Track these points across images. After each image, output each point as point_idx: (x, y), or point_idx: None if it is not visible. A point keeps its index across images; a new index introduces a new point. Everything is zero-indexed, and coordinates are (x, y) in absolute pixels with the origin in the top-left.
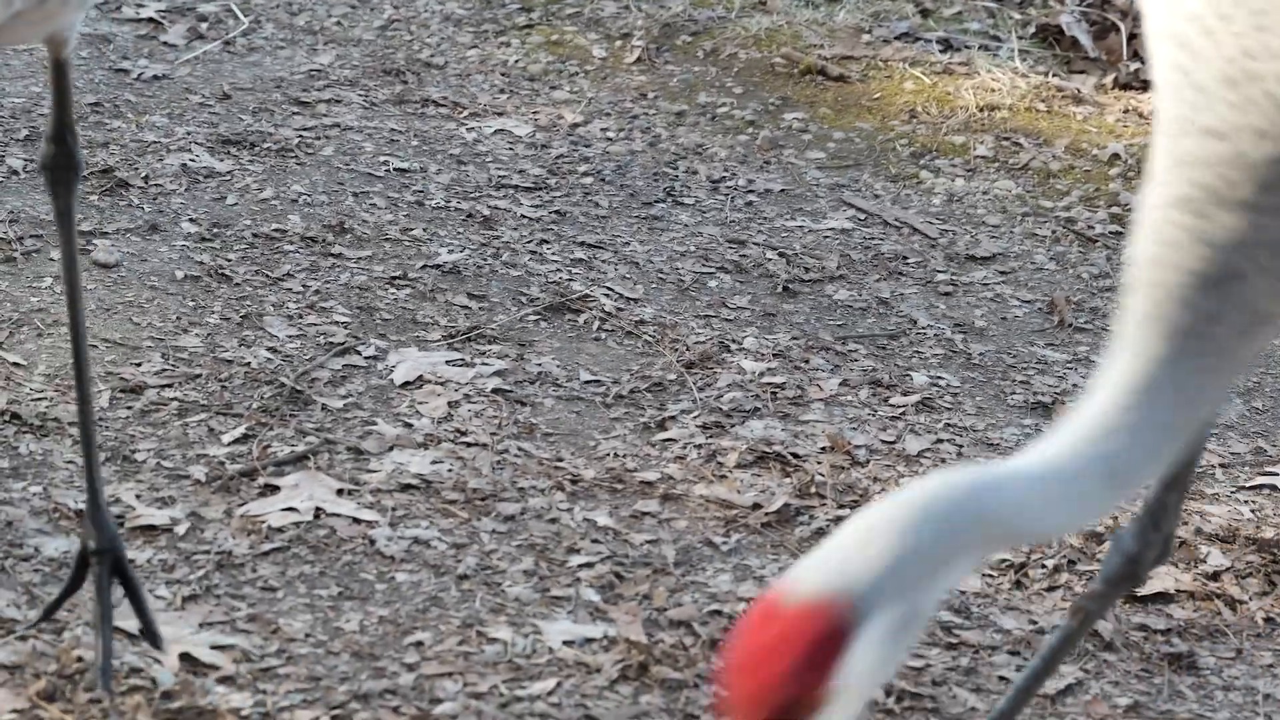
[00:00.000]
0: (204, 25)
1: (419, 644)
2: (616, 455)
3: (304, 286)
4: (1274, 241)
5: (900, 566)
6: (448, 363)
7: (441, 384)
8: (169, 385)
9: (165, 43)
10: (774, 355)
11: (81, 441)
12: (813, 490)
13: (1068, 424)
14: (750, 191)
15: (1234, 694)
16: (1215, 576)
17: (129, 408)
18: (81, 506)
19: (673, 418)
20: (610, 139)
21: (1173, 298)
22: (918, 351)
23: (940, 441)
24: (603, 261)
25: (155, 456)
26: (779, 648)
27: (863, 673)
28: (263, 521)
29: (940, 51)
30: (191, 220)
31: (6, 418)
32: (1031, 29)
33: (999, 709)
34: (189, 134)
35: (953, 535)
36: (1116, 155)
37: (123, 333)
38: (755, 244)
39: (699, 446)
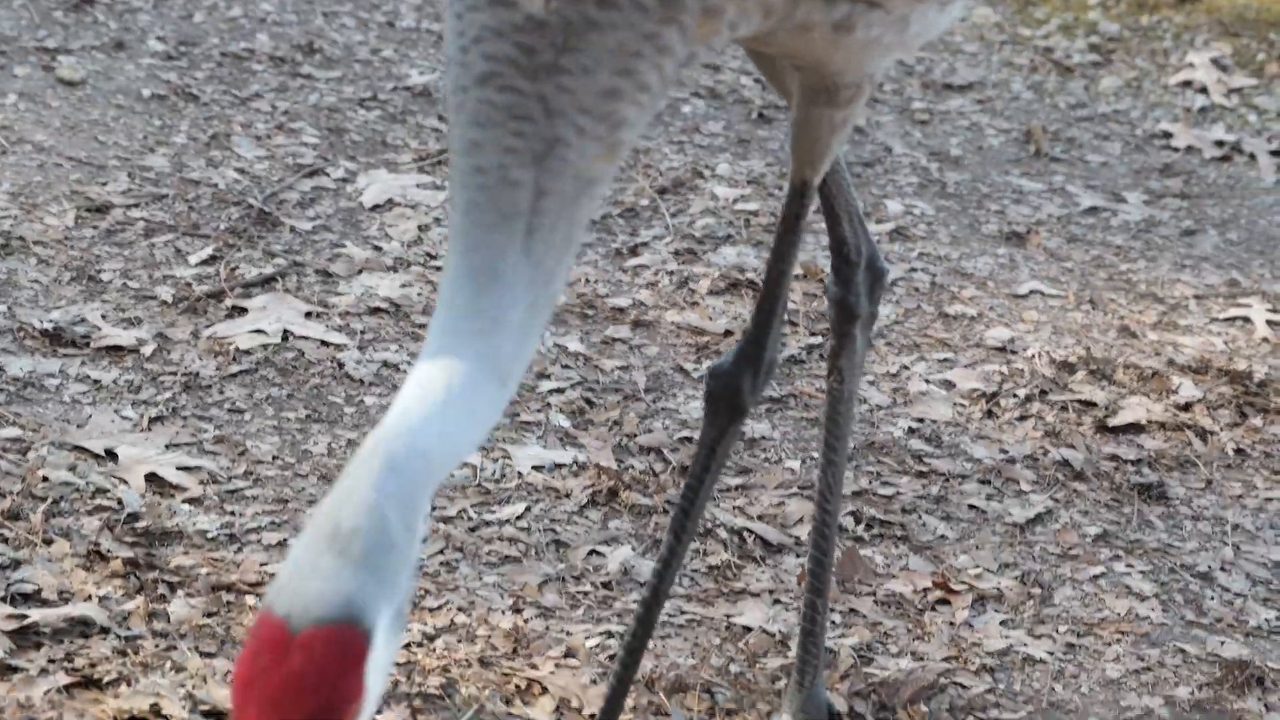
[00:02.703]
0: None
1: None
2: (588, 281)
3: (272, 107)
4: (586, 104)
5: (384, 565)
6: (418, 186)
7: (411, 207)
8: (135, 205)
9: None
10: (748, 182)
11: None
12: (786, 318)
13: (434, 338)
14: None
15: (1203, 524)
16: (1187, 407)
17: (94, 227)
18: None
19: (645, 244)
20: None
21: (501, 180)
22: (892, 179)
23: (914, 270)
24: None
25: (121, 277)
26: (309, 680)
27: (376, 680)
28: (230, 343)
29: None
30: (158, 38)
31: None
32: None
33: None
34: None
35: (412, 508)
36: None
37: (88, 151)
38: (730, 69)
39: (671, 273)
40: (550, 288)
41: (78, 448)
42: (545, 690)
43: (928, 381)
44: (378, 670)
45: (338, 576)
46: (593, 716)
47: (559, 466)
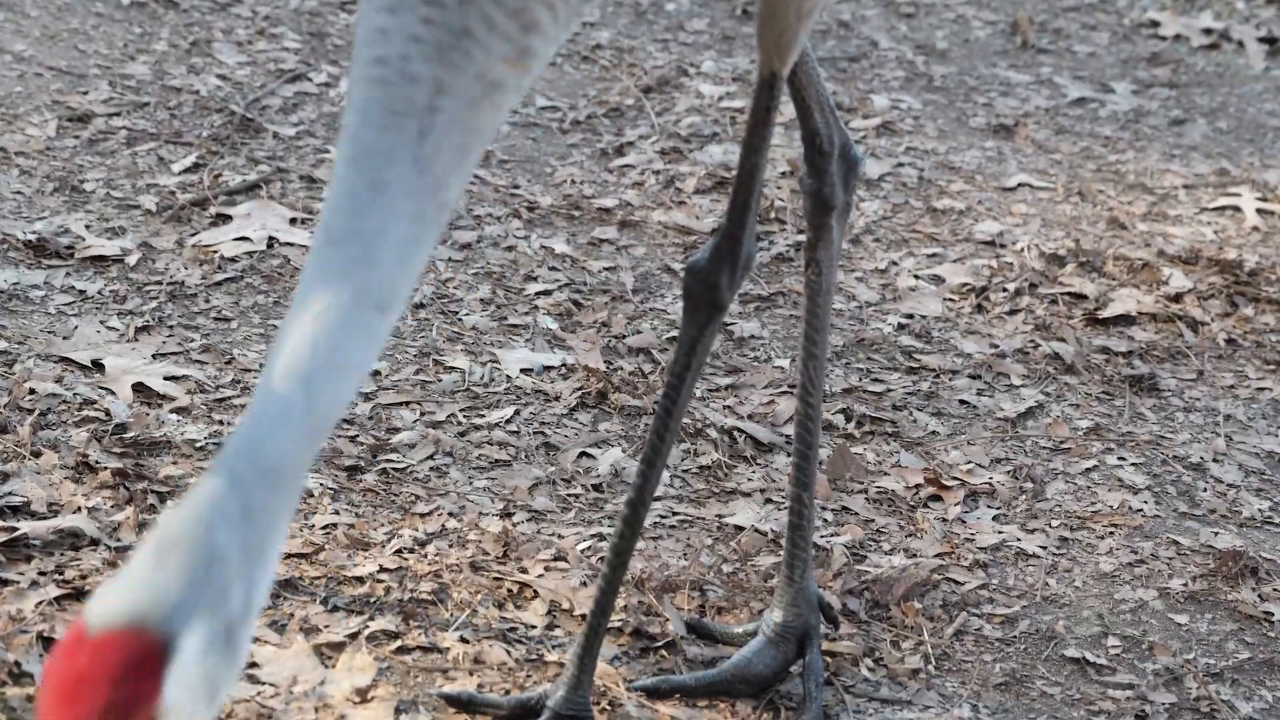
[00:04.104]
0: None
1: (376, 373)
2: (574, 182)
3: (253, 12)
4: None
5: (206, 576)
6: None
7: None
8: (117, 114)
9: None
10: (733, 79)
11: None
12: (772, 215)
13: (309, 273)
14: None
15: (1195, 415)
16: (1177, 298)
17: (76, 137)
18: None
19: (630, 143)
20: None
21: (400, 73)
22: (878, 74)
23: (901, 165)
24: None
25: (104, 186)
26: (90, 680)
27: (193, 691)
28: (215, 251)
29: None
30: None
31: None
32: None
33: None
34: None
35: (260, 515)
36: None
37: (69, 60)
38: None
39: (657, 172)
40: (440, 196)
41: (64, 359)
42: (536, 594)
43: (917, 277)
44: (191, 685)
45: (146, 584)
46: (583, 618)
47: (547, 369)
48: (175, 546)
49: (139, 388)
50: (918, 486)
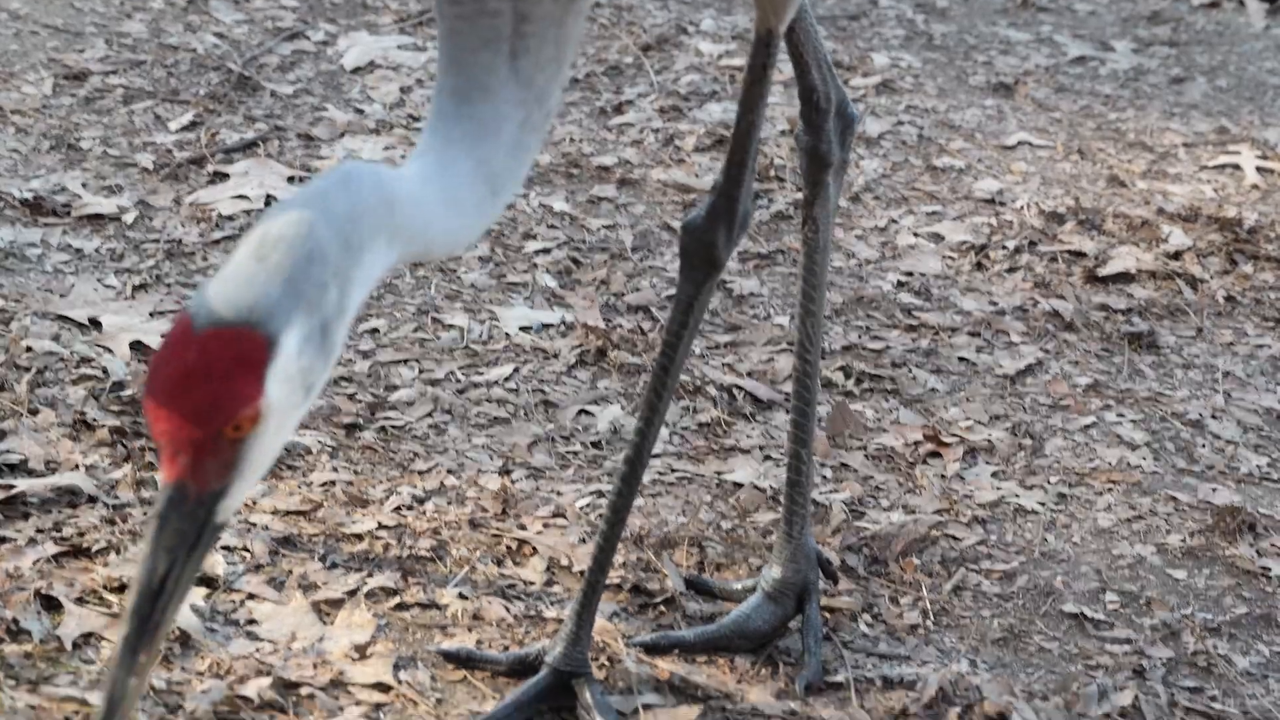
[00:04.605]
0: None
1: (374, 331)
2: (573, 140)
3: None
4: None
5: (302, 275)
6: (399, 47)
7: (394, 69)
8: (113, 71)
9: None
10: (732, 37)
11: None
12: (772, 174)
13: (427, 139)
14: None
15: (1194, 372)
16: (1176, 256)
17: (73, 95)
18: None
19: (630, 101)
20: None
21: (478, 10)
22: (878, 32)
23: (900, 124)
24: None
25: (101, 144)
26: (199, 375)
27: (291, 387)
28: (212, 209)
29: None
30: None
31: None
32: None
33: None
34: None
35: (357, 226)
36: None
37: (64, 18)
38: None
39: (656, 130)
40: (544, 106)
41: (61, 317)
42: (535, 550)
43: (916, 235)
44: (289, 381)
45: (249, 281)
46: (582, 574)
47: (546, 327)
48: (277, 244)
49: (136, 346)
50: (917, 443)
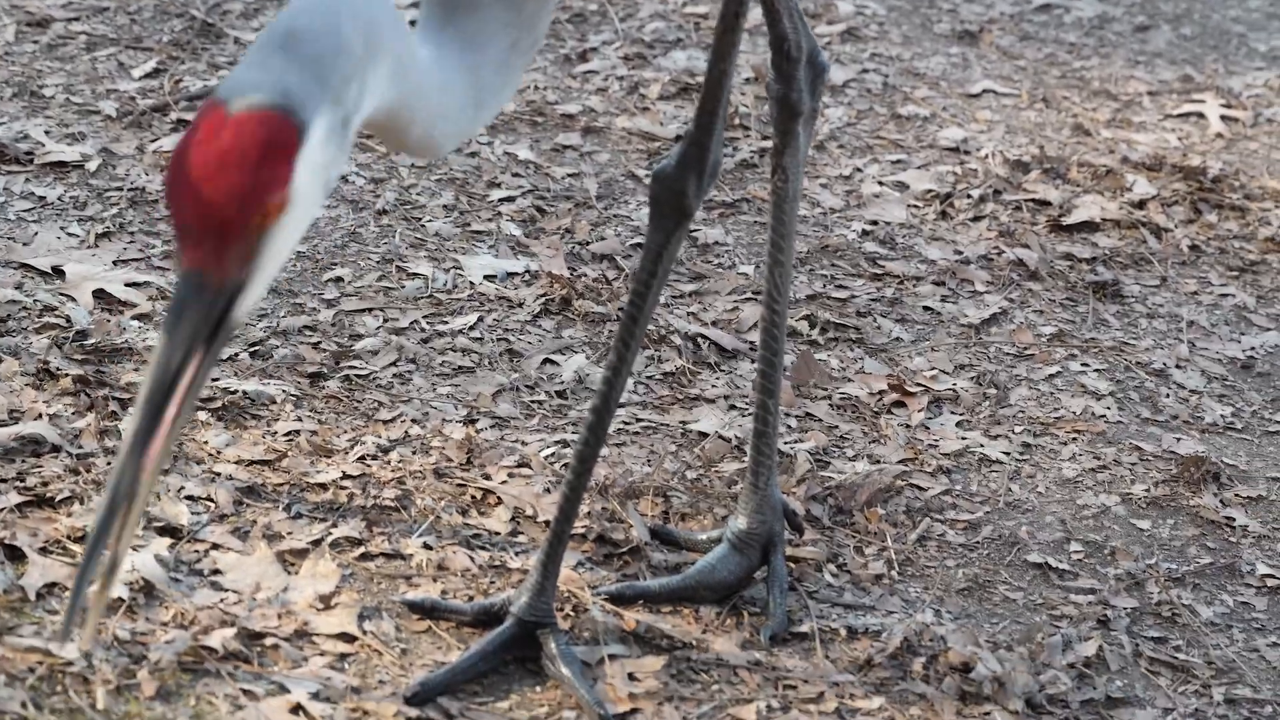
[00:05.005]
0: None
1: (338, 280)
2: (537, 88)
3: None
4: None
5: (330, 67)
6: None
7: None
8: (76, 18)
9: None
10: None
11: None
12: (736, 122)
13: (417, 41)
14: None
15: (1158, 321)
16: (1141, 205)
17: (35, 42)
18: None
19: (594, 49)
20: None
21: None
22: None
23: (865, 71)
24: None
25: (64, 91)
26: (233, 159)
27: (314, 177)
28: None
29: None
30: None
31: None
32: None
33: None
34: None
35: (377, 30)
36: None
37: None
38: None
39: (621, 78)
40: (532, 33)
41: (24, 265)
42: (500, 500)
43: (881, 183)
44: (314, 171)
45: (281, 69)
46: (547, 524)
47: (511, 275)
48: (306, 34)
49: (100, 294)
50: (881, 393)
